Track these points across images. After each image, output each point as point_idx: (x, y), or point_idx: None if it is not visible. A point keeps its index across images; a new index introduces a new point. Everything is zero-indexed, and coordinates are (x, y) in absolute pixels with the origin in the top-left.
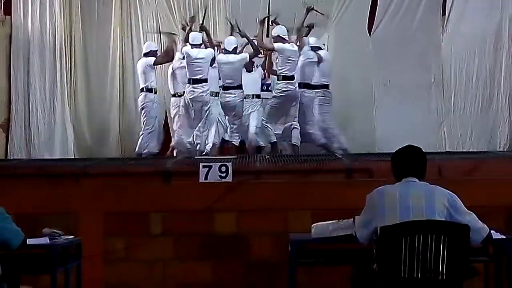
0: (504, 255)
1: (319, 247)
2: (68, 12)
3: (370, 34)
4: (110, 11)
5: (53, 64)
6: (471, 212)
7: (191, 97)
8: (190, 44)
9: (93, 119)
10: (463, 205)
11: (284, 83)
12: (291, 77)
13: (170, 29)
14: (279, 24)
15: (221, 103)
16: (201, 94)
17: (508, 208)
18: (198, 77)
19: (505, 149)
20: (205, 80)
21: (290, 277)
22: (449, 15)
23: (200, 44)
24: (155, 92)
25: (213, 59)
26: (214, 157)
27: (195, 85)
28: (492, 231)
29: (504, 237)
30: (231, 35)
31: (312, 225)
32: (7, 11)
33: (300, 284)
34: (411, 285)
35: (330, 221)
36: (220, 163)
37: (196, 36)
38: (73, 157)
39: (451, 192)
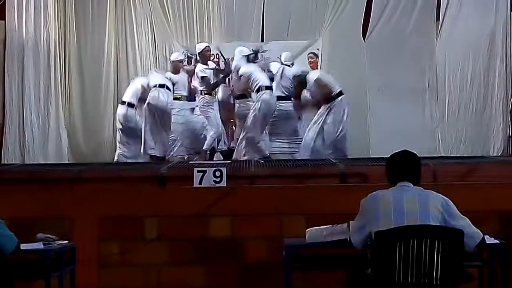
0: (497, 260)
1: (314, 252)
2: (63, 16)
3: (364, 38)
4: (104, 16)
5: (47, 69)
6: (465, 217)
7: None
8: None
9: (88, 124)
10: (457, 210)
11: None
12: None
13: (164, 32)
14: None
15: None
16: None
17: (501, 212)
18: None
19: (499, 154)
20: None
21: (284, 281)
22: (443, 19)
23: None
24: None
25: None
26: (209, 162)
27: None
28: (486, 236)
29: (498, 241)
30: None
31: (307, 230)
32: (1, 15)
33: None
34: None
35: (325, 226)
36: (214, 168)
37: None
38: (67, 162)
39: (445, 197)
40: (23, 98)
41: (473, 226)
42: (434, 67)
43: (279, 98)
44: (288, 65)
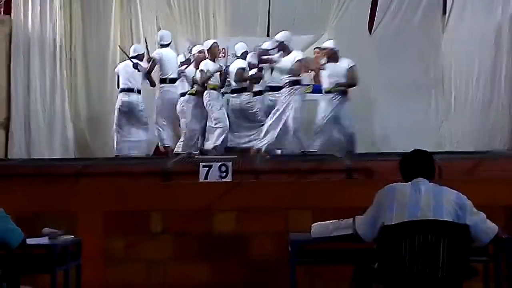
0: (504, 255)
1: (319, 247)
2: (68, 11)
3: (370, 33)
4: (110, 10)
5: (53, 63)
6: (480, 212)
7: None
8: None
9: (93, 117)
10: (472, 206)
11: None
12: None
13: (169, 27)
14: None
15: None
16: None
17: (508, 207)
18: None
19: (505, 149)
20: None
21: (290, 276)
22: (449, 14)
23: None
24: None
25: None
26: (215, 156)
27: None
28: None
29: (504, 236)
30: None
31: (312, 225)
32: (7, 10)
33: (300, 283)
34: (411, 284)
35: (330, 221)
36: (220, 163)
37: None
38: (73, 157)
39: (459, 193)
40: (28, 93)
41: (488, 221)
42: (440, 62)
43: None
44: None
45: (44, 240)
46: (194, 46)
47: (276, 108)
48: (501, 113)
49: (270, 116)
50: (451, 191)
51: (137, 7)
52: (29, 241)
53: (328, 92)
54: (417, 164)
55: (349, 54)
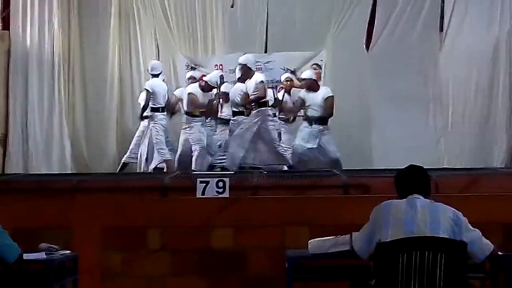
0: (501, 272)
1: (316, 263)
2: (67, 27)
3: (368, 49)
4: (108, 27)
5: (51, 79)
6: (476, 229)
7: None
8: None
9: (91, 134)
10: (467, 222)
11: None
12: None
13: (168, 43)
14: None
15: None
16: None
17: (505, 224)
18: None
19: (502, 165)
20: None
21: None
22: (447, 30)
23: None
24: None
25: None
26: (211, 172)
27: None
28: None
29: (501, 253)
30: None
31: (309, 241)
32: (6, 26)
33: None
34: None
35: (327, 237)
36: (217, 179)
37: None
38: (71, 172)
39: (455, 210)
40: (26, 108)
41: (483, 238)
42: (438, 77)
43: None
44: None
45: (41, 256)
46: (197, 66)
47: (240, 128)
48: (498, 129)
49: (233, 135)
50: (447, 208)
51: (135, 23)
52: (26, 256)
53: (305, 120)
54: (412, 180)
55: (347, 70)
